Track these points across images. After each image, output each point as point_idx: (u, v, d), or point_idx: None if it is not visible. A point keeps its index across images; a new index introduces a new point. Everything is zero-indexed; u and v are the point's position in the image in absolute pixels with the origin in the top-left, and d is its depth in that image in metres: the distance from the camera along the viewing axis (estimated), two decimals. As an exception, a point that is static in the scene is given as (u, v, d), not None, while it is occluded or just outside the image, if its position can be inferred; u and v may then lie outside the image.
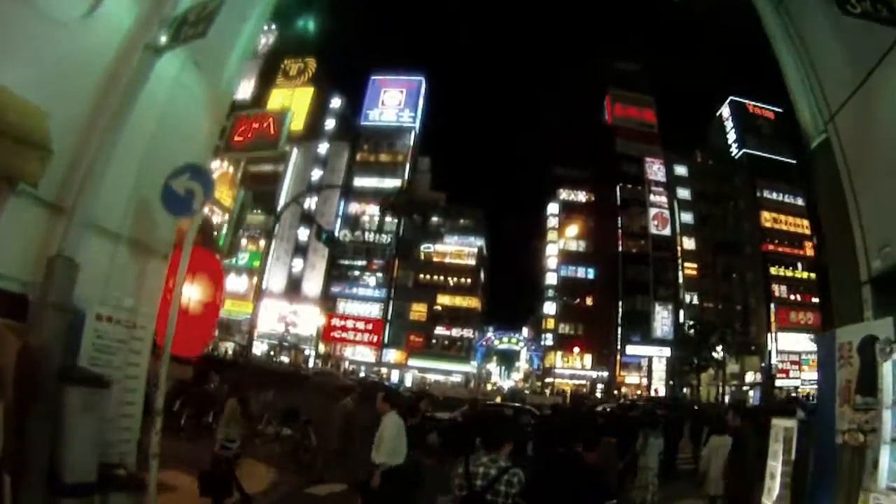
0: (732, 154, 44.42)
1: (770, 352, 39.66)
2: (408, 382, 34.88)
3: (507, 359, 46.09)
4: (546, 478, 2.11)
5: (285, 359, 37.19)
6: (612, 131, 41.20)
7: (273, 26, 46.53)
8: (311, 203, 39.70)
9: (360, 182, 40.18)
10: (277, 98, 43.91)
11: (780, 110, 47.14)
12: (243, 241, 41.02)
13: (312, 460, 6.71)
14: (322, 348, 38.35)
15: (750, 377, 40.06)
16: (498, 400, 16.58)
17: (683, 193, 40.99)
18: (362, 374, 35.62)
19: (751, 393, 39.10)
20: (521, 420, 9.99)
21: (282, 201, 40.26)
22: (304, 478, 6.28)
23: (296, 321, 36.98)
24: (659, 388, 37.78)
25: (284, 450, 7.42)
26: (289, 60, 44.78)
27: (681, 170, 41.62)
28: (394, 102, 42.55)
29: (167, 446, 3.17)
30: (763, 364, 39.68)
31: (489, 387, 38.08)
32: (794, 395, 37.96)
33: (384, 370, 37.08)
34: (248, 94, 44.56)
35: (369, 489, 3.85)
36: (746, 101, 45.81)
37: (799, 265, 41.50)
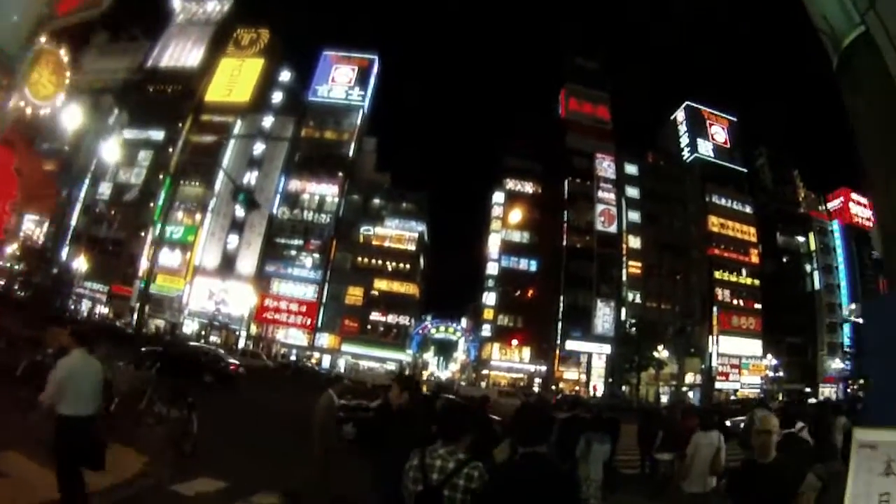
0: (684, 158, 44.01)
1: (711, 354, 39.38)
2: (340, 368, 33.00)
3: (445, 349, 44.64)
4: (512, 483, 1.74)
5: (216, 338, 34.84)
6: (565, 125, 40.15)
7: (229, -6, 43.98)
8: (250, 177, 37.36)
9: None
10: (226, 67, 41.40)
11: (734, 118, 47.36)
12: (178, 214, 38.54)
13: (194, 450, 5.65)
14: (254, 329, 36.08)
15: (689, 378, 39.65)
16: (423, 389, 14.83)
17: (632, 192, 40.25)
18: (293, 358, 33.68)
19: (690, 394, 38.75)
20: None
21: (221, 173, 37.80)
22: (177, 471, 5.04)
23: (226, 300, 34.64)
24: (598, 385, 36.91)
25: (169, 435, 5.94)
26: (241, 30, 42.27)
27: (631, 168, 40.87)
28: (344, 80, 40.57)
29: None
30: (703, 366, 39.35)
31: (424, 376, 36.49)
32: (732, 396, 38.10)
33: (316, 354, 35.09)
34: (197, 61, 42.00)
35: None
36: (702, 107, 45.52)
37: (743, 271, 41.45)
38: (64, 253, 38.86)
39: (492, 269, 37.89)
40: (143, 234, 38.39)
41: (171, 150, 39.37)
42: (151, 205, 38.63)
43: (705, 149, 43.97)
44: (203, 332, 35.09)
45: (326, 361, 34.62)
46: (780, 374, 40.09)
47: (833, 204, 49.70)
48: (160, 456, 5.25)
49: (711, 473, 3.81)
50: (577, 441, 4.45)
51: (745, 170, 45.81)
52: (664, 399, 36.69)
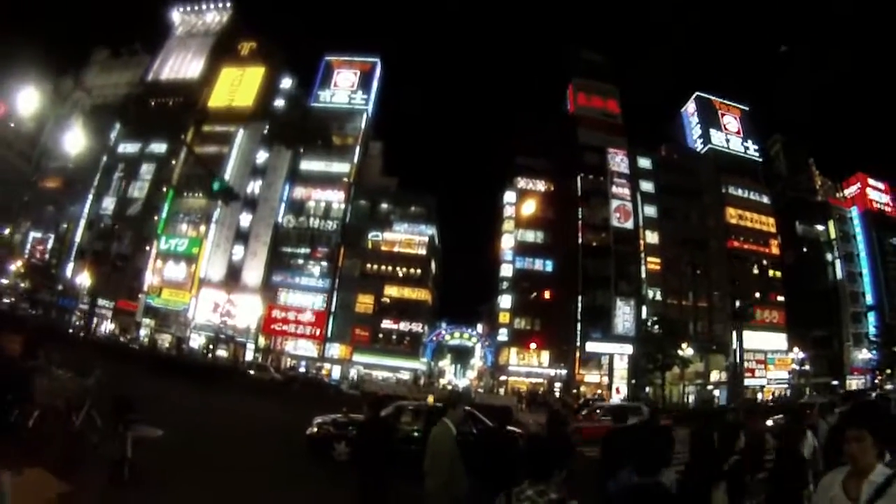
0: (697, 149, 42.06)
1: (735, 350, 37.08)
2: (353, 378, 31.03)
3: (461, 356, 42.50)
4: None
5: (223, 352, 33.11)
6: (575, 121, 38.34)
7: (228, 4, 43.10)
8: (254, 186, 35.85)
9: (306, 166, 36.57)
10: (227, 77, 40.22)
11: (745, 108, 45.44)
12: (182, 227, 37.12)
13: (132, 477, 4.39)
14: (262, 341, 34.27)
15: (715, 376, 37.34)
16: (431, 400, 12.88)
17: (647, 186, 38.23)
18: (302, 369, 31.79)
19: (716, 392, 36.51)
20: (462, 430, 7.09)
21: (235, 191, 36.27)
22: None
23: (233, 312, 32.92)
24: (620, 386, 34.63)
25: (106, 458, 4.66)
26: (241, 39, 41.19)
27: (644, 162, 38.89)
28: (347, 84, 39.19)
29: None
30: (727, 363, 37.06)
31: (441, 385, 34.42)
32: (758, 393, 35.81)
33: (327, 366, 33.16)
34: (198, 72, 40.91)
35: None
36: (712, 97, 43.66)
37: (764, 263, 39.29)
38: (69, 269, 37.56)
39: (506, 270, 35.89)
40: (147, 248, 37.05)
41: (173, 162, 38.10)
42: (155, 218, 37.31)
43: (718, 139, 42.04)
44: (210, 346, 33.38)
45: (336, 373, 32.66)
46: (807, 367, 37.79)
47: (850, 190, 47.51)
48: (86, 484, 3.99)
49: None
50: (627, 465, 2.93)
51: (759, 159, 43.82)
52: (691, 399, 34.63)
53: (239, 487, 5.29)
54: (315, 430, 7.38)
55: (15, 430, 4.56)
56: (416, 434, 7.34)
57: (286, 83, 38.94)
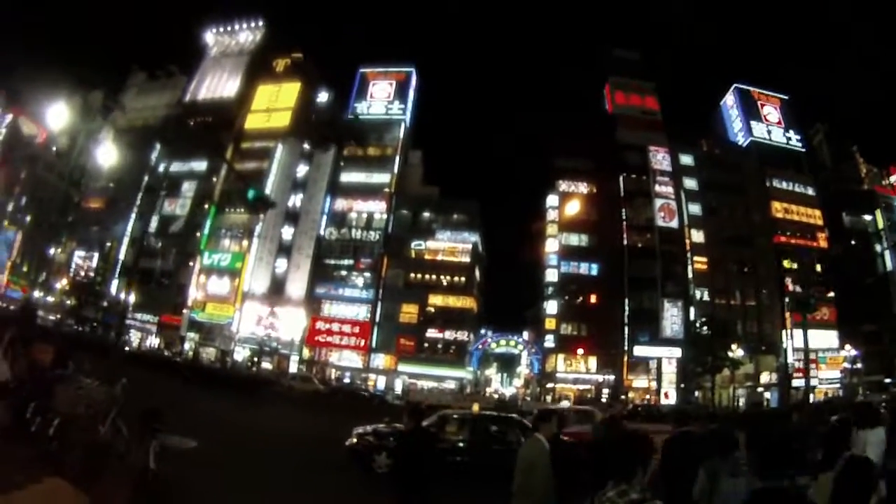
0: (739, 143, 40.66)
1: (786, 350, 35.53)
2: (397, 389, 30.79)
3: (507, 363, 41.81)
4: None
5: (268, 364, 33.30)
6: (614, 120, 37.49)
7: (261, 23, 43.74)
8: (295, 200, 36.09)
9: (346, 178, 36.63)
10: (264, 94, 40.73)
11: (786, 97, 43.80)
12: (225, 242, 37.60)
13: (160, 495, 4.07)
14: (306, 353, 34.34)
15: (765, 378, 35.86)
16: (476, 409, 12.57)
17: (690, 184, 37.09)
18: (347, 380, 31.69)
19: (767, 394, 35.09)
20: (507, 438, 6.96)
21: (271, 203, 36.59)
22: None
23: (276, 324, 33.08)
24: (669, 391, 33.52)
25: (129, 472, 4.39)
26: (275, 57, 41.69)
27: (686, 159, 37.75)
28: (383, 95, 39.19)
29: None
30: (777, 363, 35.53)
31: (488, 393, 33.87)
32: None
33: (372, 376, 32.99)
34: (234, 91, 41.56)
35: None
36: (751, 88, 42.19)
37: (813, 257, 37.59)
38: (113, 286, 38.45)
39: (551, 275, 35.20)
40: (190, 263, 37.65)
41: (214, 179, 38.69)
42: (198, 234, 37.91)
43: (760, 131, 40.59)
44: (254, 359, 33.60)
45: (382, 383, 32.45)
46: (859, 365, 35.90)
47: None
48: (107, 495, 3.86)
49: None
50: (694, 474, 2.93)
51: (803, 149, 42.12)
52: (741, 402, 33.30)
53: (271, 502, 5.00)
54: (355, 440, 7.05)
55: (36, 438, 4.46)
56: (460, 444, 7.01)
57: (323, 97, 39.18)
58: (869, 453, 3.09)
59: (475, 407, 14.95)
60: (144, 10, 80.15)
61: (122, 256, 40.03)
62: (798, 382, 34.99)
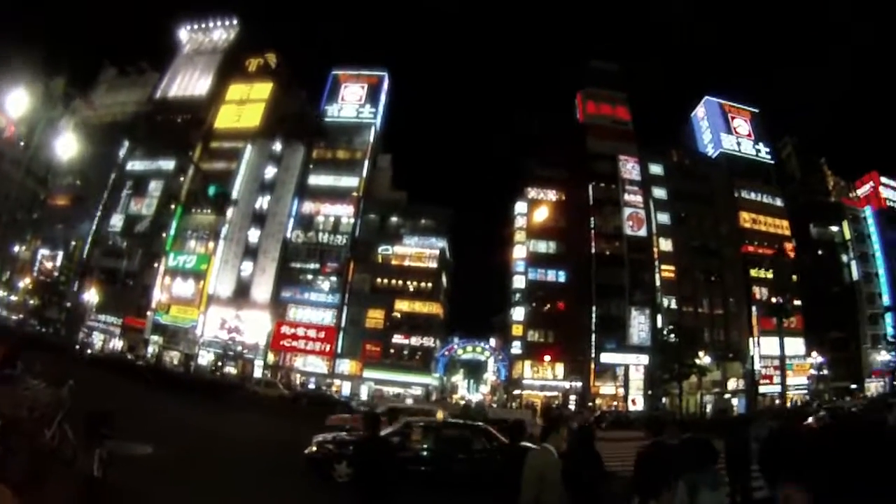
0: (709, 154, 41.18)
1: (752, 357, 35.94)
2: (363, 395, 30.23)
3: (474, 370, 41.51)
4: None
5: (232, 369, 32.45)
6: (584, 129, 37.64)
7: (235, 21, 43.04)
8: (262, 202, 35.39)
9: (315, 180, 36.09)
10: (235, 93, 40.00)
11: (755, 110, 44.55)
12: (191, 243, 36.69)
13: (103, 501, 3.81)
14: (271, 358, 33.58)
15: (732, 384, 36.21)
16: (440, 416, 12.17)
17: (659, 193, 37.40)
18: (312, 386, 31.02)
19: (734, 401, 35.42)
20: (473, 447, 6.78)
21: (235, 201, 35.85)
22: None
23: (241, 328, 32.28)
24: (637, 398, 33.57)
25: (74, 480, 4.12)
26: (248, 56, 41.00)
27: (656, 168, 38.07)
28: (354, 98, 38.79)
29: None
30: (744, 370, 35.93)
31: (454, 400, 33.44)
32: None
33: (337, 382, 32.37)
34: (206, 89, 40.73)
35: None
36: (722, 101, 42.84)
37: (787, 265, 38.15)
38: (76, 286, 37.25)
39: (518, 282, 35.06)
40: (155, 264, 36.66)
41: (181, 178, 37.77)
42: (164, 235, 36.95)
43: (729, 143, 41.19)
44: (219, 363, 32.74)
45: (347, 389, 31.85)
46: (826, 372, 36.57)
47: (863, 189, 46.49)
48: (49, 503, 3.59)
49: None
50: (668, 487, 2.85)
51: (772, 161, 42.88)
52: (708, 409, 33.51)
53: None
54: (314, 448, 6.77)
55: None
56: (425, 454, 6.74)
57: (294, 98, 38.61)
58: None
59: (440, 414, 14.73)
60: (118, 4, 78.43)
61: (86, 256, 38.81)
62: (765, 389, 35.50)
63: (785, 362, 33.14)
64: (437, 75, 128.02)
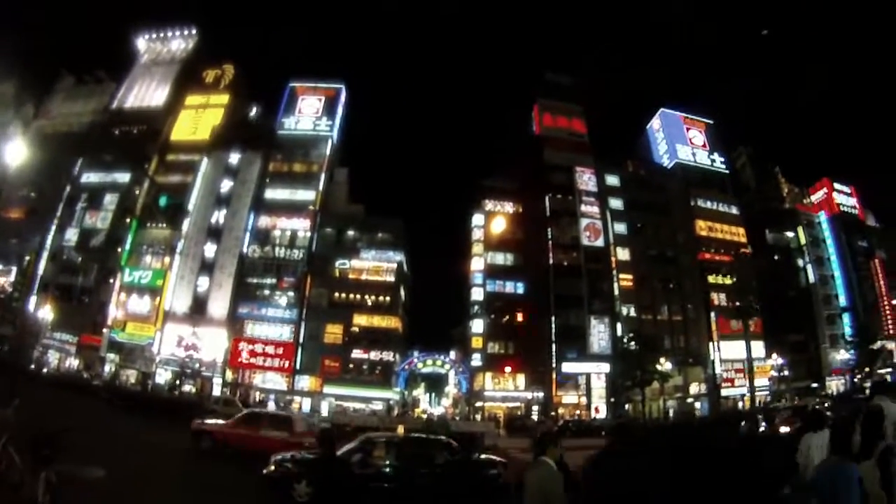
0: (664, 165, 42.24)
1: (713, 361, 36.79)
2: (324, 412, 29.77)
3: (435, 383, 41.40)
4: None
5: (190, 387, 31.61)
6: (541, 142, 38.19)
7: (194, 31, 42.46)
8: (218, 216, 34.78)
9: (271, 194, 35.67)
10: (192, 105, 39.34)
11: (710, 121, 45.96)
12: (147, 258, 35.78)
13: None
14: (229, 375, 32.85)
15: (694, 389, 36.95)
16: (400, 431, 12.07)
17: (616, 204, 38.11)
18: (271, 404, 30.41)
19: (697, 405, 36.12)
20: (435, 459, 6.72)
21: (189, 214, 35.22)
22: None
23: (198, 345, 31.53)
24: (599, 406, 33.92)
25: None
26: (206, 67, 40.43)
27: (612, 180, 38.84)
28: (311, 110, 38.57)
29: None
30: (706, 374, 36.72)
31: (416, 414, 33.27)
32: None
33: (297, 398, 31.84)
34: (162, 100, 39.98)
35: None
36: (677, 113, 44.07)
37: (749, 269, 39.22)
38: (31, 303, 35.86)
39: (477, 294, 35.16)
40: (111, 280, 35.62)
41: (137, 191, 36.89)
42: (119, 250, 35.96)
43: (685, 153, 42.34)
44: (177, 381, 31.88)
45: (307, 405, 31.36)
46: (786, 373, 37.72)
47: (817, 196, 48.39)
48: None
49: None
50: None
51: (727, 171, 44.23)
52: (671, 413, 34.10)
53: None
54: (273, 468, 6.65)
55: None
56: (386, 470, 6.63)
57: (251, 111, 38.22)
58: (814, 455, 3.24)
59: (400, 429, 14.53)
60: (76, 11, 76.18)
61: (40, 271, 37.44)
62: (727, 392, 36.33)
63: (752, 364, 33.96)
64: (394, 87, 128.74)
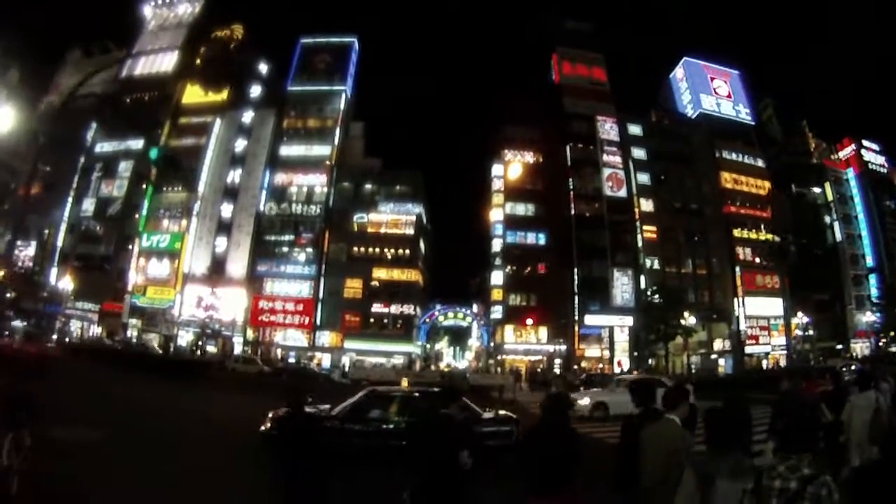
0: (688, 114, 40.50)
1: (738, 317, 35.66)
2: (346, 367, 29.51)
3: (458, 336, 40.95)
4: None
5: (212, 348, 31.67)
6: (560, 90, 36.74)
7: (200, -5, 41.49)
8: (234, 175, 34.34)
9: (286, 151, 35.05)
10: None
11: (735, 71, 43.88)
12: (164, 223, 35.65)
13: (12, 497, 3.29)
14: (250, 334, 32.79)
15: (718, 345, 35.96)
16: (405, 384, 11.46)
17: (639, 153, 36.67)
18: (292, 360, 30.30)
19: (720, 361, 35.21)
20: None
21: (204, 176, 34.86)
22: None
23: (217, 305, 31.43)
24: (622, 360, 33.16)
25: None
26: (215, 29, 39.47)
27: (635, 129, 37.33)
28: (323, 65, 37.62)
29: None
30: (730, 330, 35.64)
31: (440, 367, 32.89)
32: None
33: (318, 354, 31.67)
34: (172, 65, 39.34)
35: None
36: (701, 62, 42.06)
37: (762, 227, 37.79)
38: (52, 275, 36.11)
39: (496, 245, 34.35)
40: (129, 246, 35.65)
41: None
42: (136, 216, 35.91)
43: (709, 104, 40.45)
44: (199, 343, 31.93)
45: (328, 361, 31.17)
46: (811, 332, 36.47)
47: (845, 152, 46.17)
48: None
49: (871, 442, 3.05)
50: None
51: (752, 122, 42.29)
52: (693, 369, 33.23)
53: (161, 499, 4.32)
54: (269, 425, 6.12)
55: None
56: (390, 426, 6.07)
57: (262, 68, 37.38)
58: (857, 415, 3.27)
59: (404, 382, 13.85)
60: None
61: (59, 243, 37.65)
62: (751, 349, 35.30)
63: (789, 313, 32.60)
64: (408, 38, 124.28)
